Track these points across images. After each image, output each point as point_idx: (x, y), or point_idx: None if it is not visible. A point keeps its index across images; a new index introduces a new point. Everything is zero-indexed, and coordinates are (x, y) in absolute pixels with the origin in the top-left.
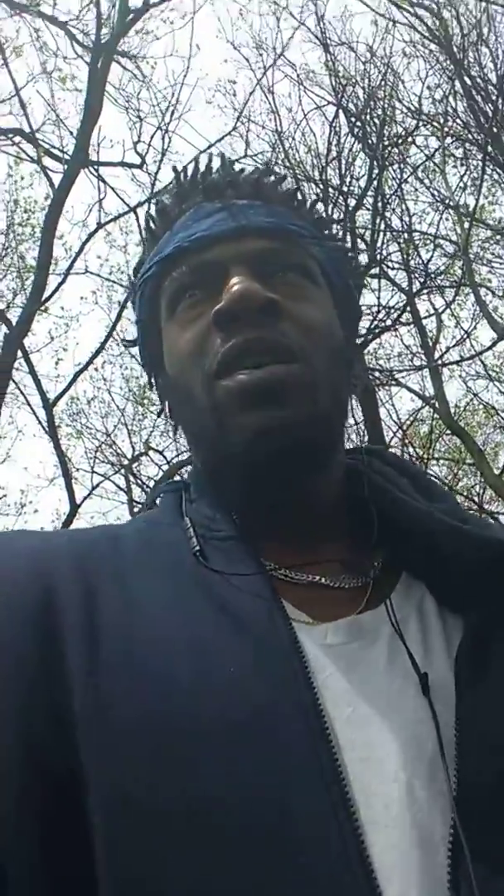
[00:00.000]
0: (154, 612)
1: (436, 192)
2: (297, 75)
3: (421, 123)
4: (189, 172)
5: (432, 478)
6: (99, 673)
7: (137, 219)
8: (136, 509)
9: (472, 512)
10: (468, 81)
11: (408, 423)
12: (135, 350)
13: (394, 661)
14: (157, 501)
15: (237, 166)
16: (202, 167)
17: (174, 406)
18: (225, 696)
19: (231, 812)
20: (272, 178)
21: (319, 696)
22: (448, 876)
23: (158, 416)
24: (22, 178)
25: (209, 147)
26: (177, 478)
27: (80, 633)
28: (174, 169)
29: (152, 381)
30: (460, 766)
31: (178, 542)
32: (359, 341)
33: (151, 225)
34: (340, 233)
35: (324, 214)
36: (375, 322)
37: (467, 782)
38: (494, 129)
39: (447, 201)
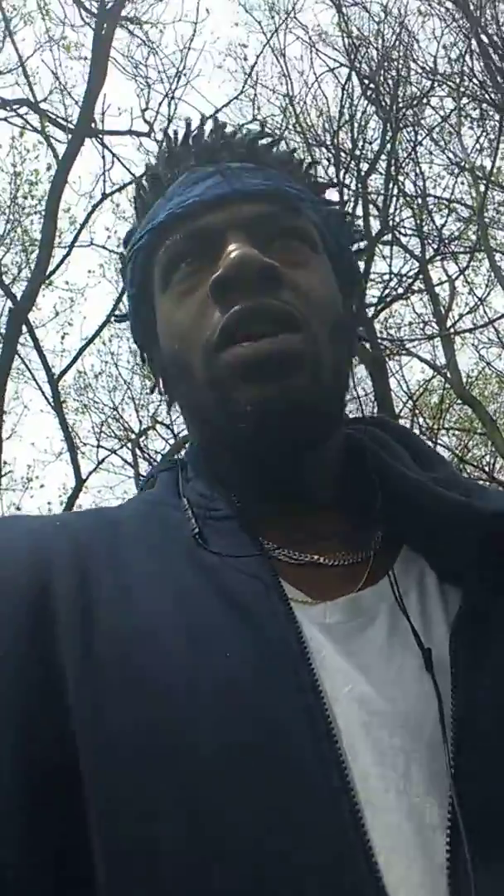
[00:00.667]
0: (151, 595)
1: (451, 155)
2: (310, 37)
3: (436, 84)
4: (181, 136)
5: (432, 446)
6: (94, 664)
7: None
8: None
9: (480, 482)
10: (485, 40)
11: (418, 393)
12: (127, 325)
13: (393, 639)
14: (154, 479)
15: (229, 128)
16: (194, 130)
17: (170, 381)
18: (222, 677)
19: (228, 797)
20: (267, 139)
21: (318, 676)
22: (447, 859)
23: (152, 393)
24: (27, 151)
25: (216, 112)
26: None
27: (77, 622)
28: (165, 133)
29: (145, 356)
30: (459, 746)
31: (175, 523)
32: (370, 310)
33: (143, 192)
34: (350, 198)
35: (323, 177)
36: (387, 290)
37: (465, 763)
38: None
39: (463, 164)
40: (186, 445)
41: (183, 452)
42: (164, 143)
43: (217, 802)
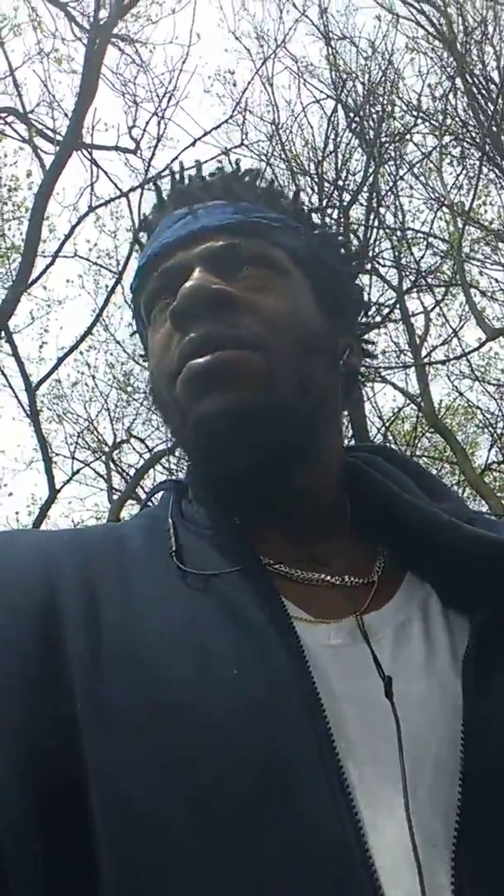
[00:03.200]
0: (156, 613)
1: (431, 190)
2: (298, 68)
3: (420, 121)
4: (169, 184)
5: (439, 479)
6: (100, 676)
7: (129, 204)
8: (114, 496)
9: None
10: (470, 79)
11: (391, 420)
12: (122, 337)
13: (398, 664)
14: (157, 498)
15: (215, 168)
16: (178, 177)
17: (157, 407)
18: (227, 698)
19: (234, 815)
20: (246, 177)
21: (322, 698)
22: (451, 880)
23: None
24: (6, 156)
25: (204, 135)
26: (158, 472)
27: (83, 636)
28: (155, 184)
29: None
30: (465, 770)
31: (180, 541)
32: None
33: (140, 242)
34: (331, 227)
35: (308, 204)
36: (364, 318)
37: (472, 786)
38: (494, 128)
39: (442, 200)
40: (160, 460)
41: (166, 463)
42: (155, 193)
43: (222, 820)
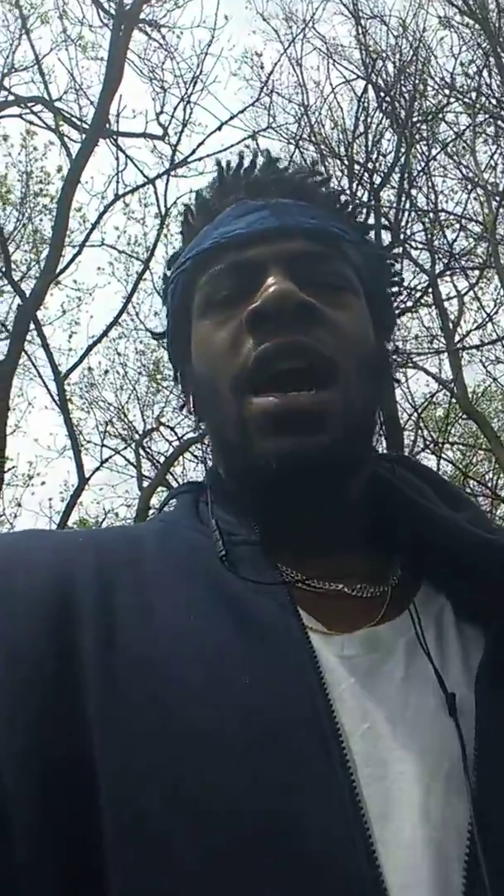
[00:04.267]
0: (171, 618)
1: (464, 171)
2: (327, 48)
3: (452, 99)
4: (233, 166)
5: (458, 488)
6: (114, 680)
7: (156, 191)
8: (144, 484)
9: (484, 498)
10: (503, 56)
11: (423, 406)
12: (151, 325)
13: (411, 676)
14: (174, 502)
15: (281, 164)
16: (246, 162)
17: (199, 403)
18: (239, 707)
19: (244, 825)
20: (317, 178)
21: (335, 710)
22: (463, 892)
23: (181, 410)
24: (35, 149)
25: (231, 118)
26: (187, 460)
27: (97, 639)
28: (217, 163)
29: (177, 374)
30: (478, 786)
31: (196, 546)
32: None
33: (190, 216)
34: (362, 209)
35: (338, 189)
36: (396, 303)
37: (485, 802)
38: None
39: (476, 180)
40: (190, 448)
41: (204, 476)
42: (216, 172)
43: (231, 830)
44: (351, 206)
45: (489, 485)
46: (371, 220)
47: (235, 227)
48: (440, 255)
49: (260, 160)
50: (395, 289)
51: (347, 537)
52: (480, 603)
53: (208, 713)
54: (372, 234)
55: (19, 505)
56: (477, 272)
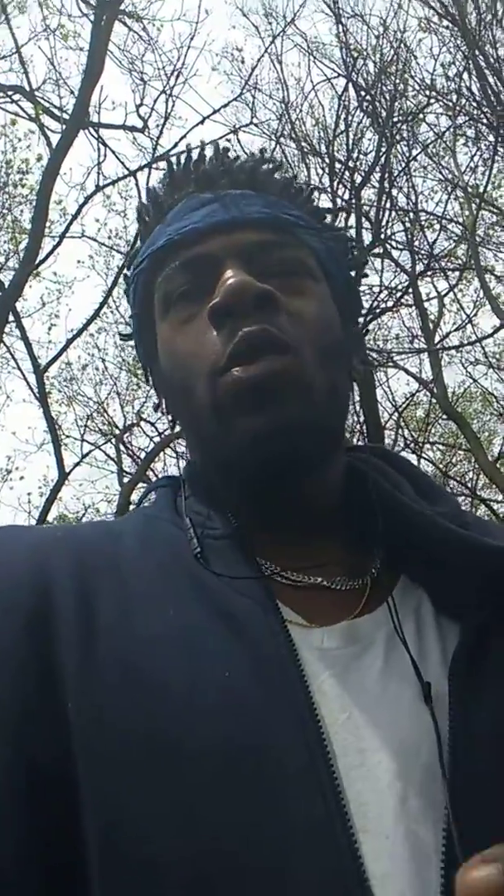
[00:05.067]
0: (150, 613)
1: (445, 172)
2: (308, 45)
3: (432, 100)
4: (183, 161)
5: (432, 478)
6: (92, 678)
7: (137, 183)
8: (125, 479)
9: (464, 497)
10: (482, 60)
11: (404, 405)
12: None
13: (389, 667)
14: (153, 496)
15: (231, 154)
16: (195, 156)
17: (171, 403)
18: (220, 701)
19: (225, 818)
20: (268, 166)
21: (315, 702)
22: (441, 885)
23: (156, 411)
24: (18, 140)
25: (213, 113)
26: (167, 456)
27: (77, 636)
28: (167, 159)
29: (146, 373)
30: (453, 775)
31: (175, 540)
32: (360, 327)
33: (145, 215)
34: (342, 208)
35: (317, 185)
36: (376, 302)
37: (461, 791)
38: None
39: (456, 181)
40: (172, 444)
41: (181, 470)
42: (166, 168)
43: (212, 821)
44: (306, 191)
45: (469, 485)
46: (352, 219)
47: (187, 222)
48: (420, 256)
49: (209, 152)
50: (357, 271)
51: (325, 529)
52: (455, 596)
53: (186, 705)
54: (330, 217)
55: None
56: (457, 274)
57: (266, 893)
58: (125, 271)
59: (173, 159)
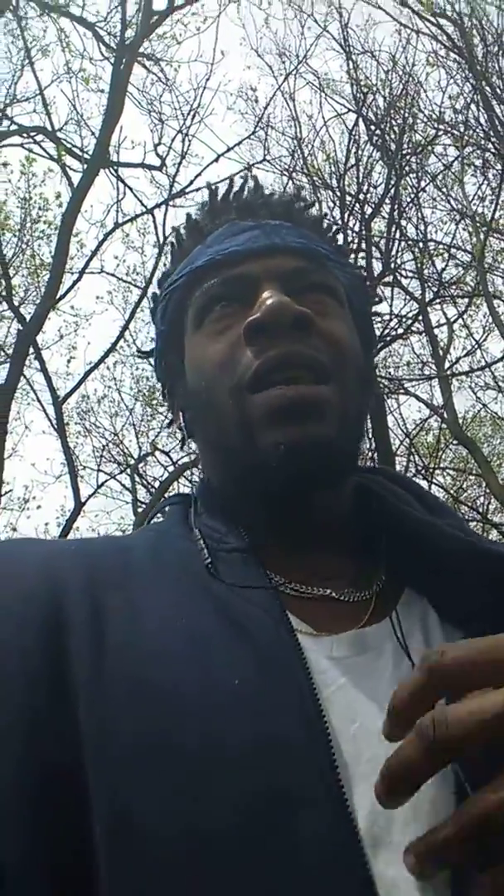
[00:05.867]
0: (160, 625)
1: (453, 202)
2: (319, 82)
3: (441, 132)
4: (222, 191)
5: (437, 495)
6: (104, 689)
7: (154, 220)
8: (139, 509)
9: (475, 522)
10: (489, 91)
11: (415, 431)
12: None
13: (399, 675)
14: (165, 511)
15: (268, 190)
16: (236, 187)
17: (193, 417)
18: (229, 710)
19: (233, 828)
20: (302, 203)
21: (325, 711)
22: (452, 892)
23: (169, 427)
24: (35, 176)
25: (227, 151)
26: (182, 485)
27: (88, 648)
28: (209, 186)
29: (166, 392)
30: (458, 786)
31: (186, 554)
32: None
33: (181, 238)
34: (353, 239)
35: (330, 219)
36: (387, 330)
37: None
38: None
39: (464, 210)
40: (186, 473)
41: (193, 488)
42: (208, 196)
43: (219, 830)
44: (334, 230)
45: (480, 510)
46: (363, 249)
47: (229, 245)
48: (430, 284)
49: (249, 185)
50: (375, 309)
51: (334, 543)
52: (461, 604)
53: (197, 716)
54: (351, 257)
55: (14, 529)
56: (466, 300)
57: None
58: (154, 290)
59: (214, 188)
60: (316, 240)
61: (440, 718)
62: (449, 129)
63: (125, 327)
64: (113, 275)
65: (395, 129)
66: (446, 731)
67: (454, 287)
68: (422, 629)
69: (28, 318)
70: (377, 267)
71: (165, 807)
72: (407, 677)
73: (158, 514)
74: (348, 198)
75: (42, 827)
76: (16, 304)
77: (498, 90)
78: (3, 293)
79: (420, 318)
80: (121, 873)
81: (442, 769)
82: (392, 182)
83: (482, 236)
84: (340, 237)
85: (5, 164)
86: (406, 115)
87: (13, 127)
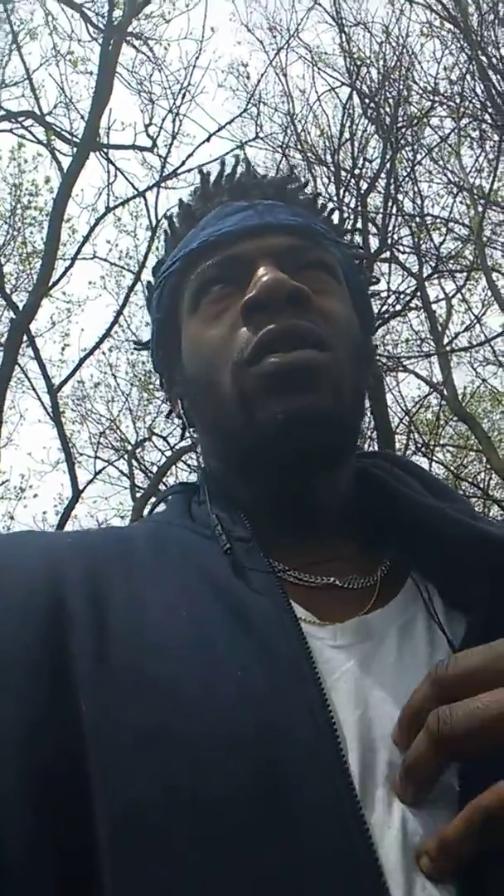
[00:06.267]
0: (163, 614)
1: (450, 175)
2: (311, 56)
3: (436, 104)
4: (213, 175)
5: (440, 476)
6: (106, 679)
7: (147, 203)
8: (138, 495)
9: (476, 499)
10: (485, 61)
11: (414, 409)
12: (143, 336)
13: (402, 661)
14: (167, 501)
15: (260, 171)
16: (227, 169)
17: (192, 401)
18: (233, 699)
19: (237, 819)
20: (295, 183)
21: (329, 699)
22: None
23: (168, 417)
24: (25, 161)
25: (219, 129)
26: (180, 470)
27: (89, 637)
28: (200, 171)
29: (164, 380)
30: (466, 765)
31: (187, 542)
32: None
33: (174, 224)
34: (349, 215)
35: (324, 195)
36: (385, 307)
37: (473, 780)
38: None
39: (461, 183)
40: (182, 457)
41: (196, 476)
42: (199, 180)
43: (223, 822)
44: (329, 209)
45: (481, 485)
46: (359, 225)
47: (222, 225)
48: (427, 259)
49: (241, 167)
50: (372, 289)
51: (336, 529)
52: (465, 589)
53: (200, 705)
54: (349, 236)
55: (12, 518)
56: (464, 275)
57: (277, 884)
58: (149, 279)
59: (205, 173)
60: (310, 218)
61: (444, 715)
62: (445, 100)
63: (119, 312)
64: (106, 260)
65: (390, 101)
66: (450, 727)
67: (452, 261)
68: (426, 615)
69: (20, 305)
70: (374, 243)
71: (169, 793)
72: (415, 689)
73: (161, 504)
74: (343, 173)
75: (45, 816)
76: (7, 291)
77: (494, 60)
78: None
79: (418, 293)
80: (124, 860)
81: (453, 764)
82: (388, 156)
83: (480, 209)
84: (336, 214)
85: None
86: (401, 87)
87: (1, 112)
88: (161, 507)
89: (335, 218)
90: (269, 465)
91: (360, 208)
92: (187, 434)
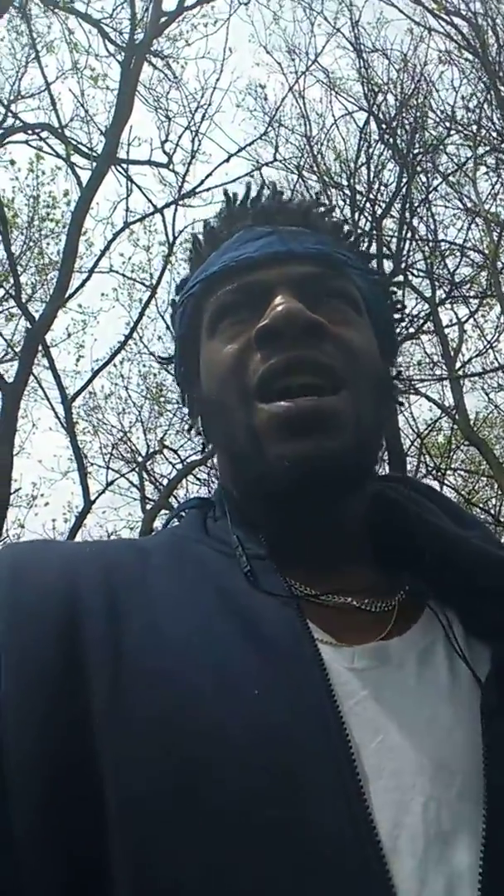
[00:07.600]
0: (178, 628)
1: (465, 201)
2: (329, 81)
3: (453, 131)
4: (239, 197)
5: (462, 506)
6: (121, 691)
7: (164, 219)
8: (147, 506)
9: (487, 525)
10: (503, 91)
11: (426, 432)
12: (155, 349)
13: (423, 688)
14: (183, 515)
15: (286, 196)
16: (252, 193)
17: (208, 422)
18: (248, 719)
19: (251, 838)
20: (321, 208)
21: (346, 723)
22: None
23: (188, 433)
24: (43, 173)
25: (239, 151)
26: (190, 483)
27: (104, 644)
28: (225, 193)
29: (185, 397)
30: (488, 797)
31: (204, 559)
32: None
33: (198, 244)
34: (363, 239)
35: (340, 218)
36: (398, 330)
37: (495, 813)
38: None
39: (477, 210)
40: (193, 471)
41: (198, 473)
42: (224, 202)
43: (238, 849)
44: (353, 236)
45: (492, 511)
46: (373, 249)
47: (244, 251)
48: (441, 283)
49: (266, 191)
50: (396, 316)
51: (354, 553)
52: (489, 618)
53: (214, 721)
54: (374, 263)
55: (22, 526)
56: (477, 300)
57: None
58: (173, 297)
59: (230, 195)
60: (334, 245)
61: None
62: (461, 128)
63: (135, 325)
64: (122, 273)
65: (407, 127)
66: None
67: (465, 287)
68: (445, 642)
69: (36, 316)
70: (388, 266)
71: (179, 808)
72: None
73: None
74: (358, 196)
75: (56, 809)
76: (23, 301)
77: None
78: (12, 291)
79: (431, 317)
80: (138, 869)
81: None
82: (403, 181)
83: (496, 236)
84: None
85: (12, 162)
86: (418, 113)
87: (18, 124)
88: (175, 522)
89: (360, 244)
90: (278, 496)
91: (374, 232)
92: (207, 449)
